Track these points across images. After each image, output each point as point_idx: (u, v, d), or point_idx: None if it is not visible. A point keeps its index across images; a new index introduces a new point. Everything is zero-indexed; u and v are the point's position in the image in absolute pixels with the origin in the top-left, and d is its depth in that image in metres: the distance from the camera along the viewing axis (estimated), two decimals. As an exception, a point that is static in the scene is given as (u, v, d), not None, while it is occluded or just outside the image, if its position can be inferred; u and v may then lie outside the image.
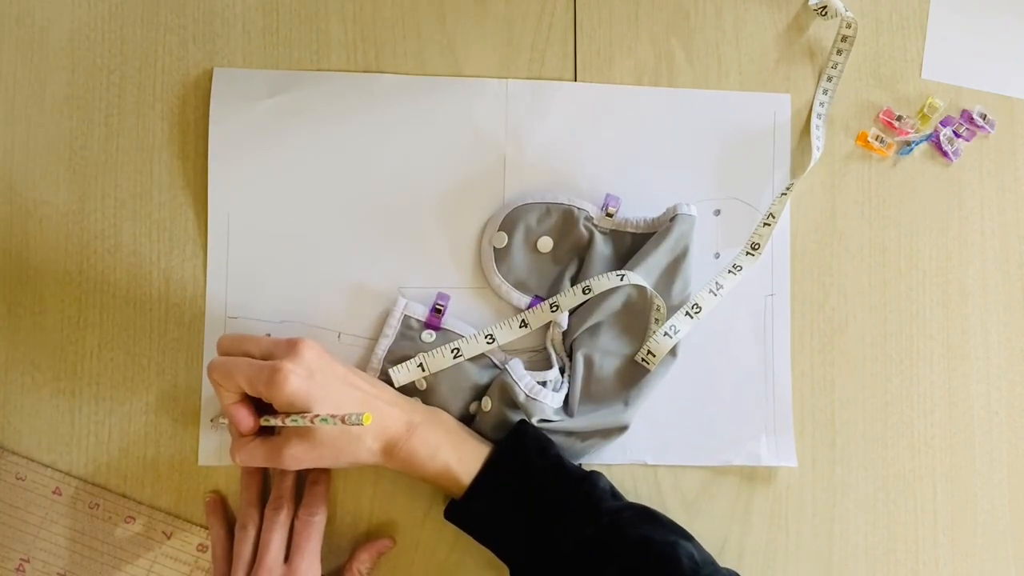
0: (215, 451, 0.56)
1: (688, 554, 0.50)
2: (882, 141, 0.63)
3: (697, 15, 0.63)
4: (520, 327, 0.57)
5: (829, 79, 0.63)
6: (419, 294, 0.58)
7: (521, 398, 0.54)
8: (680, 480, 0.59)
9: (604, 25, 0.62)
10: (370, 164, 0.59)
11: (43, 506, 0.55)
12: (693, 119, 0.61)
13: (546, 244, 0.58)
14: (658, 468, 0.59)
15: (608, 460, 0.58)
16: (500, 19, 0.61)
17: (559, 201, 0.58)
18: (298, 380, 0.47)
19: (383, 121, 0.59)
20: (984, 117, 0.64)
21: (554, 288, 0.58)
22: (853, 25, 0.62)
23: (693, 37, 0.62)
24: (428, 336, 0.56)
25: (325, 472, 0.55)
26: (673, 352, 0.57)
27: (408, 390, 0.55)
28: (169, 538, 0.56)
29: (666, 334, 0.56)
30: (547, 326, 0.58)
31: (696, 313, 0.58)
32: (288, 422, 0.48)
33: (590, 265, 0.57)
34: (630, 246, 0.58)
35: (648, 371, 0.57)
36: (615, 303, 0.57)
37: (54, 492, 0.55)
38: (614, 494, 0.53)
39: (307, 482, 0.55)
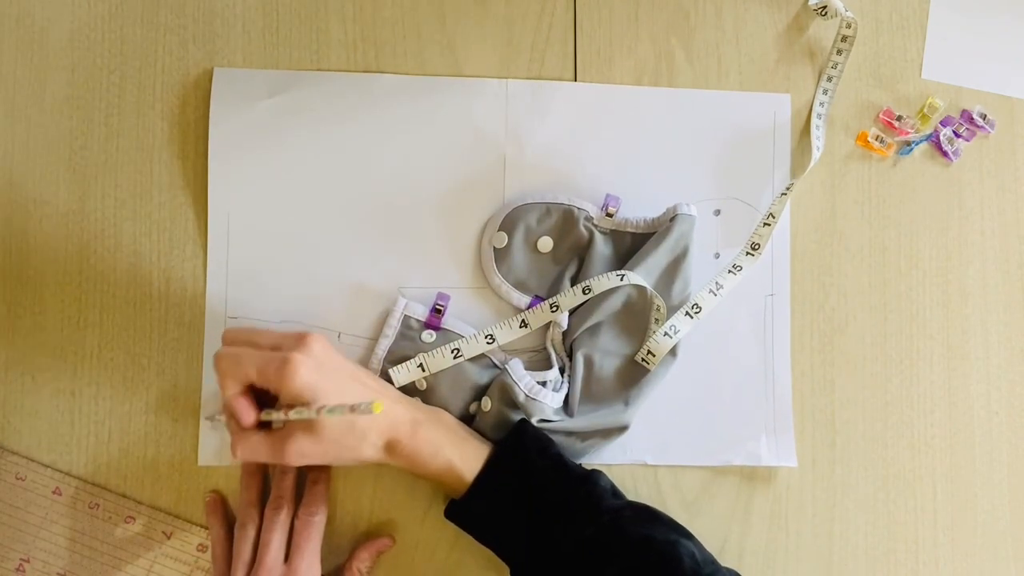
0: (215, 451, 0.56)
1: (689, 553, 0.50)
2: (882, 141, 0.63)
3: (697, 15, 0.63)
4: (520, 327, 0.57)
5: (829, 79, 0.63)
6: (419, 294, 0.58)
7: (521, 398, 0.54)
8: (680, 480, 0.59)
9: (604, 25, 0.62)
10: (370, 164, 0.59)
11: (43, 506, 0.55)
12: (693, 119, 0.61)
13: (546, 244, 0.58)
14: (658, 468, 0.59)
15: (608, 460, 0.58)
16: (500, 19, 0.61)
17: (559, 201, 0.58)
18: (308, 371, 0.47)
19: (383, 121, 0.59)
20: (984, 117, 0.64)
21: (554, 288, 0.58)
22: (853, 25, 0.62)
23: (693, 37, 0.62)
24: (428, 336, 0.56)
25: (325, 471, 0.55)
26: (673, 352, 0.57)
27: (408, 390, 0.55)
28: (169, 538, 0.56)
29: (666, 334, 0.56)
30: (547, 326, 0.58)
31: (696, 313, 0.58)
32: (292, 415, 0.48)
33: (590, 265, 0.57)
34: (630, 246, 0.58)
35: (648, 371, 0.57)
36: (615, 303, 0.57)
37: (54, 492, 0.55)
38: (615, 493, 0.53)
39: (307, 482, 0.55)
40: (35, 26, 0.58)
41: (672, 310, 0.57)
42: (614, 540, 0.50)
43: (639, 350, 0.57)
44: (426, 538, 0.57)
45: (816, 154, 0.61)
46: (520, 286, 0.58)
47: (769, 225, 0.60)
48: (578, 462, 0.57)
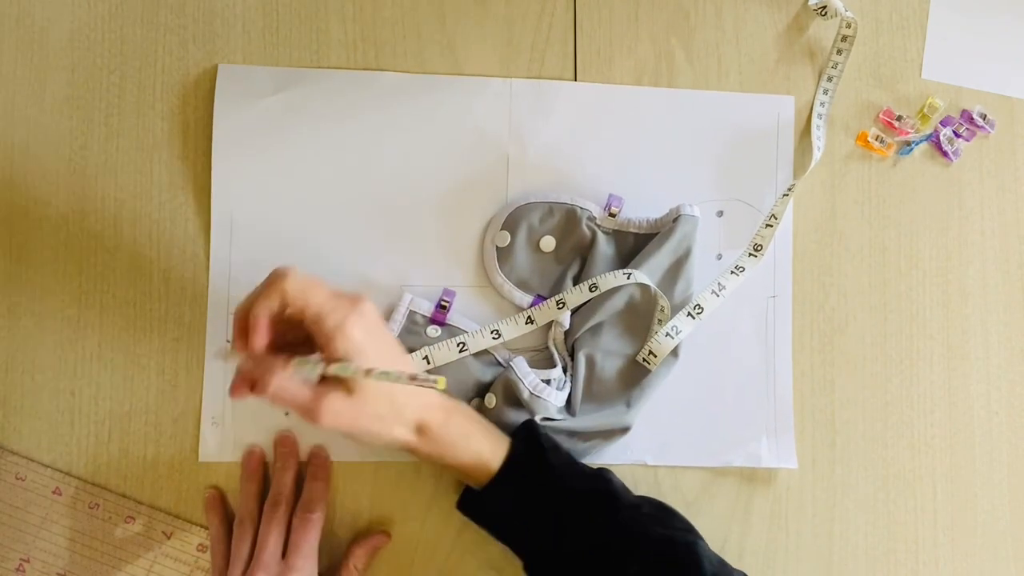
0: (216, 447, 0.56)
1: (707, 555, 0.50)
2: (882, 141, 0.63)
3: (697, 15, 0.63)
4: (526, 323, 0.57)
5: (829, 79, 0.63)
6: (421, 292, 0.58)
7: (525, 395, 0.54)
8: (680, 480, 0.59)
9: (604, 25, 0.62)
10: (374, 162, 0.58)
11: (43, 506, 0.55)
12: (696, 120, 0.61)
13: (548, 244, 0.58)
14: (658, 468, 0.59)
15: (609, 460, 0.58)
16: (500, 19, 0.61)
17: (562, 201, 0.58)
18: (362, 330, 0.45)
19: (387, 119, 0.59)
20: (984, 117, 0.64)
21: (556, 288, 0.58)
22: (853, 25, 0.62)
23: (693, 37, 0.62)
24: (433, 331, 0.56)
25: (325, 468, 0.55)
26: (675, 353, 0.57)
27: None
28: (169, 538, 0.56)
29: (668, 335, 0.56)
30: (549, 325, 0.58)
31: (698, 314, 0.58)
32: (333, 369, 0.44)
33: (592, 265, 0.57)
34: (633, 246, 0.58)
35: (649, 371, 0.57)
36: (618, 303, 0.57)
37: (54, 492, 0.55)
38: (625, 490, 0.53)
39: (306, 479, 0.55)
40: (35, 26, 0.58)
41: (674, 311, 0.57)
42: (634, 538, 0.50)
43: (641, 350, 0.57)
44: (426, 538, 0.57)
45: (817, 154, 0.61)
46: (522, 285, 0.58)
47: (771, 226, 0.60)
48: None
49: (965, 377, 0.63)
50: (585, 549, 0.50)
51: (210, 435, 0.56)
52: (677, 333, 0.57)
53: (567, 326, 0.57)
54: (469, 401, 0.56)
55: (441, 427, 0.50)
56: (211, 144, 0.57)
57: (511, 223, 0.57)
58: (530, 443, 0.53)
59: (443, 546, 0.57)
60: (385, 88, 0.59)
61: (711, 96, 0.62)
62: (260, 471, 0.55)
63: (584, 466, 0.54)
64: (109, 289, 0.57)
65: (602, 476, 0.53)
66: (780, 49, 0.63)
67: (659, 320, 0.57)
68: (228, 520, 0.55)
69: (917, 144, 0.64)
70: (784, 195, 0.60)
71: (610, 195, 0.58)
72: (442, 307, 0.57)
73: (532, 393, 0.54)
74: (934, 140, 0.64)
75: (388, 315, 0.57)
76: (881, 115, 0.63)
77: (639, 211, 0.58)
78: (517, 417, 0.54)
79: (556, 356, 0.57)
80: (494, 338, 0.56)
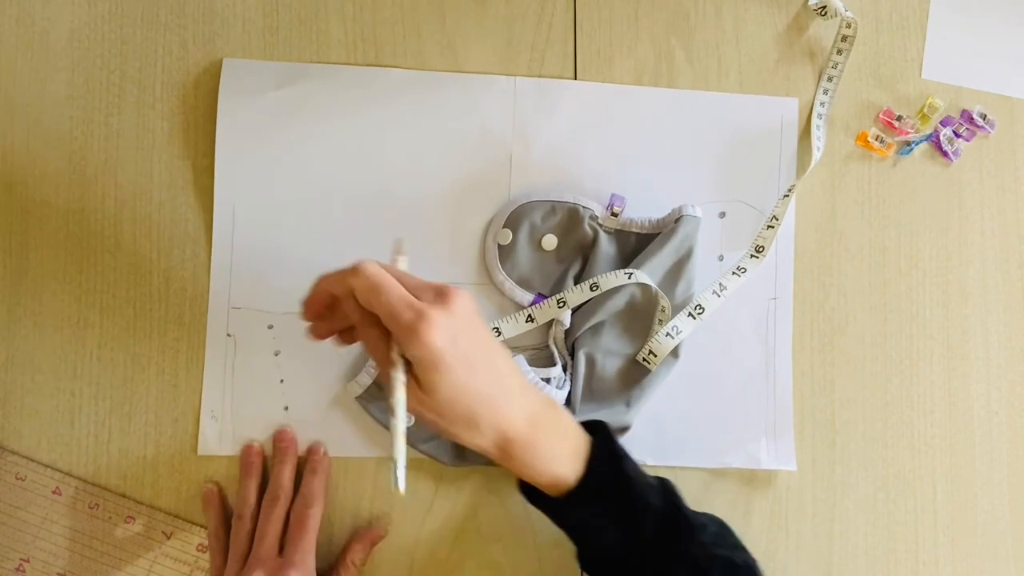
0: (215, 440, 0.56)
1: None
2: (882, 141, 0.63)
3: (697, 15, 0.63)
4: (526, 321, 0.57)
5: (829, 79, 0.63)
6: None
7: None
8: (680, 480, 0.59)
9: (604, 25, 0.62)
10: (377, 158, 0.58)
11: (43, 506, 0.55)
12: (700, 121, 0.61)
13: (550, 242, 0.58)
14: (658, 468, 0.59)
15: (608, 460, 0.58)
16: (500, 19, 0.61)
17: (564, 199, 0.58)
18: (442, 335, 0.41)
19: (391, 115, 0.59)
20: (984, 117, 0.64)
21: (557, 287, 0.58)
22: (853, 25, 0.62)
23: (693, 37, 0.62)
24: None
25: (323, 464, 0.56)
26: (675, 353, 0.57)
27: None
28: (169, 538, 0.56)
29: (668, 335, 0.56)
30: (549, 324, 0.58)
31: (699, 314, 0.58)
32: (392, 400, 0.43)
33: (594, 264, 0.57)
34: (634, 246, 0.58)
35: (649, 371, 0.57)
36: (618, 303, 0.57)
37: (54, 492, 0.55)
38: (684, 503, 0.52)
39: (305, 474, 0.55)
40: (35, 26, 0.58)
41: (675, 311, 0.57)
42: (703, 564, 0.49)
43: (641, 350, 0.57)
44: (426, 539, 0.57)
45: (817, 154, 0.61)
46: (523, 283, 0.58)
47: (773, 227, 0.60)
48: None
49: (965, 377, 0.63)
50: (652, 566, 0.49)
51: (209, 429, 0.56)
52: (677, 333, 0.57)
53: (568, 325, 0.57)
54: None
55: (525, 448, 0.47)
56: (212, 144, 0.57)
57: (513, 221, 0.57)
58: (610, 454, 0.50)
59: (443, 546, 0.57)
60: (389, 84, 0.59)
61: (715, 97, 0.62)
62: (259, 466, 0.55)
63: (650, 476, 0.52)
64: (109, 289, 0.57)
65: (670, 490, 0.51)
66: (780, 49, 0.63)
67: (660, 320, 0.57)
68: (226, 515, 0.55)
69: (917, 144, 0.64)
70: (785, 196, 0.60)
71: (612, 195, 0.58)
72: None
73: None
74: (934, 140, 0.64)
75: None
76: (881, 115, 0.63)
77: (641, 211, 0.58)
78: None
79: (556, 355, 0.57)
80: (495, 335, 0.56)
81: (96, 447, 0.56)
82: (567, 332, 0.58)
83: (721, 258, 0.60)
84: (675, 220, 0.57)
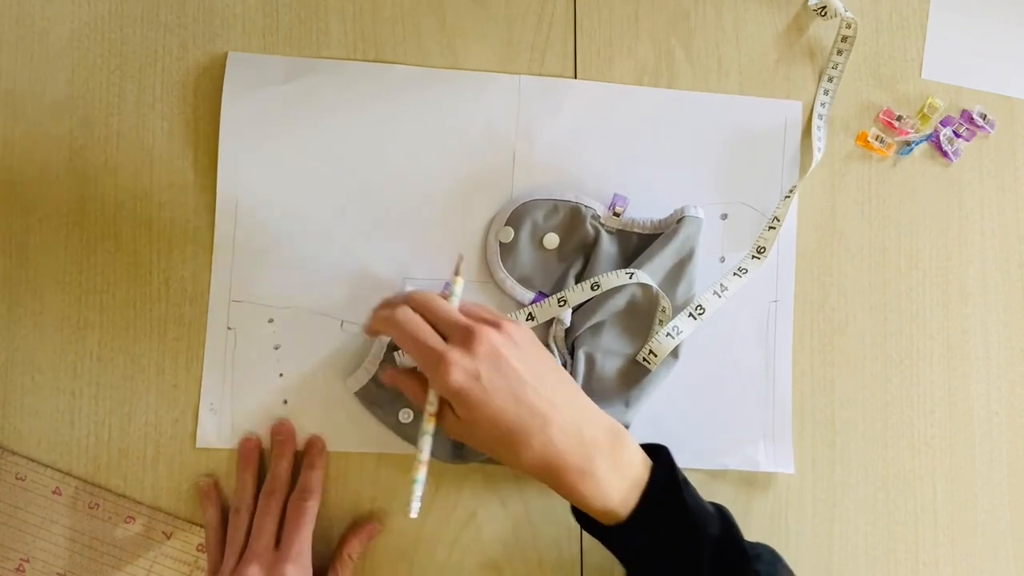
0: (213, 434, 0.56)
1: None
2: (882, 141, 0.63)
3: (697, 15, 0.63)
4: (527, 320, 0.57)
5: (830, 79, 0.63)
6: (423, 286, 0.58)
7: None
8: (680, 480, 0.59)
9: (604, 25, 0.62)
10: (381, 154, 0.58)
11: (43, 506, 0.55)
12: (703, 123, 0.61)
13: (552, 241, 0.58)
14: (658, 468, 0.59)
15: (608, 460, 0.58)
16: (500, 19, 0.61)
17: (567, 199, 0.58)
18: (460, 377, 0.45)
19: (395, 112, 0.59)
20: (984, 117, 0.64)
21: (558, 286, 0.58)
22: (853, 25, 0.62)
23: (693, 37, 0.62)
24: None
25: (320, 457, 0.56)
26: (675, 354, 0.57)
27: None
28: (169, 538, 0.56)
29: (668, 335, 0.56)
30: (550, 323, 0.58)
31: (700, 315, 0.58)
32: (425, 421, 0.49)
33: (595, 264, 0.57)
34: (636, 246, 0.58)
35: (649, 372, 0.57)
36: (619, 303, 0.57)
37: (54, 492, 0.55)
38: (739, 531, 0.51)
39: (302, 467, 0.55)
40: (35, 26, 0.58)
41: (676, 312, 0.57)
42: None
43: (641, 350, 0.57)
44: (426, 538, 0.57)
45: (817, 155, 0.61)
46: (524, 282, 0.58)
47: (774, 228, 0.60)
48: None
49: (965, 377, 0.63)
50: None
51: (208, 421, 0.56)
52: (678, 333, 0.57)
53: (568, 324, 0.57)
54: None
55: (573, 476, 0.47)
56: (212, 143, 0.57)
57: (515, 219, 0.57)
58: (667, 488, 0.49)
59: (443, 546, 0.57)
60: (395, 81, 0.59)
61: (718, 99, 0.62)
62: (256, 459, 0.55)
63: (708, 504, 0.51)
64: (109, 289, 0.57)
65: (727, 518, 0.51)
66: (780, 49, 0.63)
67: (660, 320, 0.57)
68: (223, 508, 0.55)
69: (917, 144, 0.64)
70: (786, 197, 0.60)
71: (615, 194, 0.58)
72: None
73: None
74: (934, 140, 0.64)
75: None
76: (881, 115, 0.63)
77: (643, 211, 0.58)
78: None
79: (556, 353, 0.57)
80: None
81: (96, 447, 0.56)
82: (567, 331, 0.58)
83: (723, 260, 0.60)
84: (677, 221, 0.57)
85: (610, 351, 0.57)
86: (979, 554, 0.61)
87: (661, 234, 0.58)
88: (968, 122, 0.64)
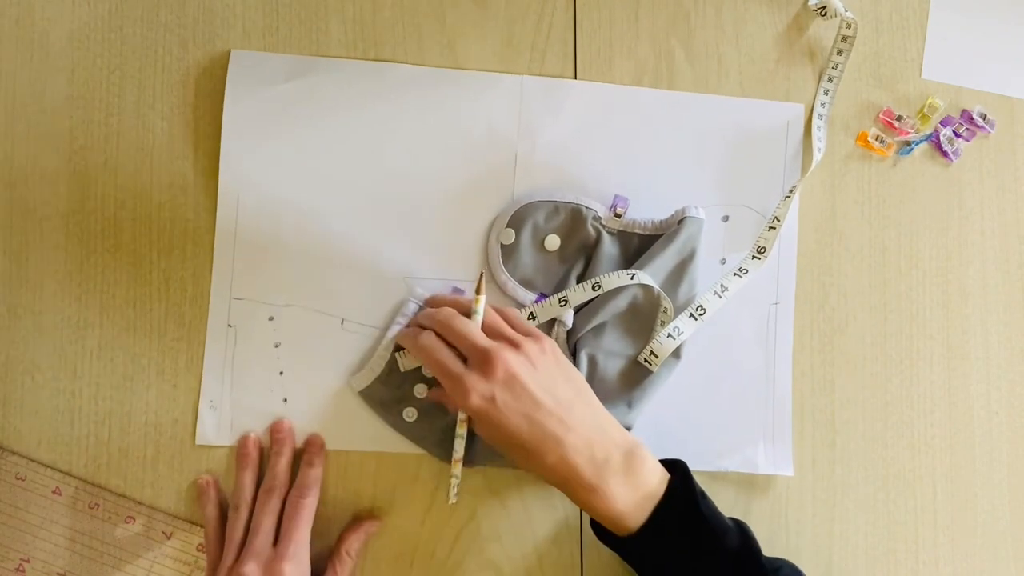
0: (212, 432, 0.56)
1: None
2: (882, 141, 0.63)
3: (697, 15, 0.63)
4: (528, 320, 0.57)
5: (830, 79, 0.63)
6: (424, 286, 0.58)
7: None
8: (680, 480, 0.59)
9: (604, 25, 0.62)
10: (383, 153, 0.58)
11: (43, 506, 0.55)
12: (705, 124, 0.61)
13: (553, 242, 0.58)
14: (658, 468, 0.59)
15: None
16: (500, 19, 0.61)
17: (568, 200, 0.58)
18: (478, 401, 0.49)
19: (397, 111, 0.59)
20: (984, 117, 0.64)
21: (560, 287, 0.58)
22: (853, 25, 0.62)
23: (693, 37, 0.62)
24: None
25: (319, 455, 0.56)
26: (676, 354, 0.57)
27: (416, 376, 0.56)
28: (169, 538, 0.56)
29: (669, 335, 0.56)
30: (552, 324, 0.58)
31: (700, 315, 0.58)
32: (458, 429, 0.53)
33: (597, 265, 0.57)
34: (637, 247, 0.58)
35: (651, 373, 0.57)
36: (620, 304, 0.57)
37: (54, 492, 0.55)
38: (758, 546, 0.52)
39: (301, 465, 0.55)
40: (35, 26, 0.58)
41: (677, 312, 0.57)
42: None
43: (643, 351, 0.57)
44: (426, 538, 0.57)
45: (817, 155, 0.61)
46: (526, 284, 0.58)
47: (775, 229, 0.60)
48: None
49: (965, 377, 0.63)
50: None
51: (208, 418, 0.56)
52: (679, 334, 0.57)
53: (570, 325, 0.57)
54: None
55: (586, 488, 0.49)
56: (212, 143, 0.57)
57: (516, 221, 0.57)
58: (682, 501, 0.50)
59: (443, 546, 0.57)
60: (397, 80, 0.59)
61: (720, 101, 0.62)
62: (255, 458, 0.55)
63: (727, 519, 0.52)
64: (109, 289, 0.57)
65: (746, 533, 0.51)
66: (780, 49, 0.63)
67: (662, 321, 0.57)
68: (223, 507, 0.55)
69: (917, 144, 0.64)
70: (786, 197, 0.60)
71: (616, 196, 0.58)
72: None
73: None
74: (934, 140, 0.64)
75: (396, 309, 0.57)
76: (881, 115, 0.63)
77: (644, 213, 0.58)
78: None
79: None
80: None
81: (96, 447, 0.56)
82: (569, 332, 0.58)
83: (723, 261, 0.60)
84: (678, 221, 0.57)
85: (612, 352, 0.57)
86: (979, 554, 0.61)
87: (662, 235, 0.58)
88: (968, 122, 0.64)
